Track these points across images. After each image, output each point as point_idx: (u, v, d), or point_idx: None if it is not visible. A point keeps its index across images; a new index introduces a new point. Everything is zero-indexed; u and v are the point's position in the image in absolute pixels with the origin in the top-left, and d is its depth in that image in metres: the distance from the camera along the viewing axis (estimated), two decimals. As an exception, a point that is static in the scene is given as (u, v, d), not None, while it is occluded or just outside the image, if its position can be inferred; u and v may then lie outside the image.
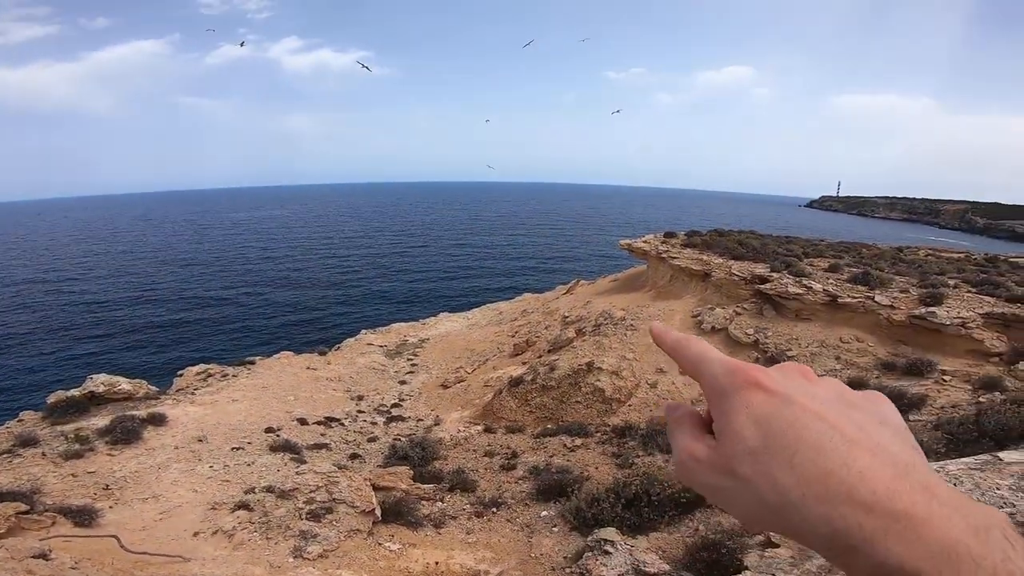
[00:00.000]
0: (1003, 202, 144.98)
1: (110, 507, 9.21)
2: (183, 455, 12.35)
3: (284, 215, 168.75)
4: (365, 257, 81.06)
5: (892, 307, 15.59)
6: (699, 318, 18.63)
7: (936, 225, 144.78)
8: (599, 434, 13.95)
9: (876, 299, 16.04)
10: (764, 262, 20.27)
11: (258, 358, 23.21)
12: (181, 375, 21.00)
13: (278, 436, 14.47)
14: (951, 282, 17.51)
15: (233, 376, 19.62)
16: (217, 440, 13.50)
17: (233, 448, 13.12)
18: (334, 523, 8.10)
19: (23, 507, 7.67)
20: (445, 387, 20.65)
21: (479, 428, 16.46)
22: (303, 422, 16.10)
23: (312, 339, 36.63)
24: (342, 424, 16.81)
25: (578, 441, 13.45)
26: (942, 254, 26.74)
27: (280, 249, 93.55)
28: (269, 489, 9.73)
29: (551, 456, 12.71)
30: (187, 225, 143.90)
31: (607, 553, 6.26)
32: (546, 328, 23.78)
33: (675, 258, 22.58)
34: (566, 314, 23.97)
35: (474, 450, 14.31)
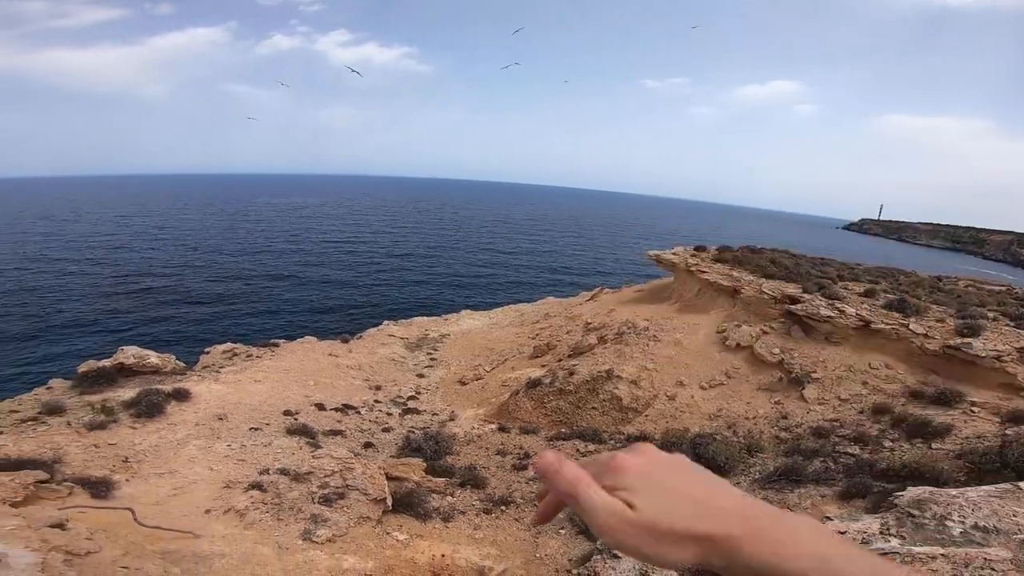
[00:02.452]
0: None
1: (127, 480, 9.47)
2: (202, 432, 12.65)
3: (316, 203, 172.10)
4: (391, 250, 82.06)
5: (926, 336, 15.06)
6: (724, 334, 18.28)
7: (980, 255, 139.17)
8: (613, 441, 13.86)
9: (911, 327, 15.51)
10: (796, 282, 19.79)
11: (282, 341, 23.69)
12: (207, 352, 21.55)
13: (296, 419, 14.71)
14: (990, 315, 16.83)
15: (257, 357, 20.05)
16: (237, 419, 13.80)
17: (251, 428, 13.39)
18: (345, 509, 8.18)
19: (43, 476, 7.92)
20: (463, 383, 20.74)
21: (493, 426, 16.50)
22: (321, 407, 16.35)
23: (335, 327, 37.22)
24: (358, 412, 17.01)
25: (591, 447, 13.39)
26: (983, 286, 25.60)
27: (309, 236, 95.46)
28: (283, 471, 9.89)
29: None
30: (222, 207, 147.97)
31: (616, 556, 6.22)
32: (567, 333, 23.65)
33: (704, 272, 22.21)
34: (589, 320, 23.80)
35: (487, 448, 14.38)
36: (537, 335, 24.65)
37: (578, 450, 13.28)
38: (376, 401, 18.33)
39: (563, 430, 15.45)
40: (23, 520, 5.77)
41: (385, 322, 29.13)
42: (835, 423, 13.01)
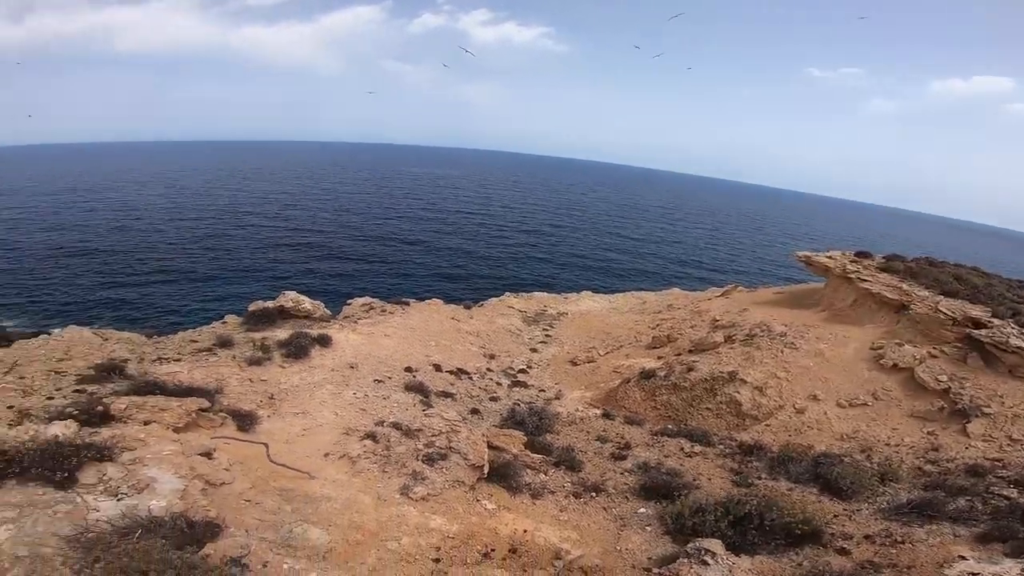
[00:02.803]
0: None
1: (268, 416, 10.69)
2: (335, 378, 13.95)
3: (455, 175, 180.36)
4: (520, 225, 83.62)
5: None
6: (880, 351, 15.95)
7: None
8: (722, 446, 12.91)
9: None
10: (984, 304, 16.60)
11: (412, 300, 25.34)
12: (349, 304, 23.75)
13: (414, 377, 15.67)
14: None
15: (390, 313, 21.66)
16: (365, 369, 15.03)
17: (375, 380, 14.50)
18: (444, 470, 8.48)
19: (204, 404, 9.15)
20: (574, 364, 20.58)
21: (597, 412, 16.19)
22: (438, 368, 17.23)
23: (459, 295, 39.05)
24: (471, 378, 17.66)
25: (697, 448, 12.58)
26: None
27: (445, 205, 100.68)
28: (396, 425, 10.55)
29: (665, 456, 12.14)
30: (373, 175, 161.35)
31: (705, 564, 5.75)
32: (691, 328, 22.30)
33: (865, 281, 19.46)
34: (717, 317, 22.20)
35: (588, 432, 14.15)
36: (658, 325, 23.59)
37: (682, 449, 12.58)
38: (488, 369, 18.88)
39: (670, 426, 14.69)
40: (179, 447, 6.61)
41: (506, 293, 29.85)
42: (997, 463, 11.15)
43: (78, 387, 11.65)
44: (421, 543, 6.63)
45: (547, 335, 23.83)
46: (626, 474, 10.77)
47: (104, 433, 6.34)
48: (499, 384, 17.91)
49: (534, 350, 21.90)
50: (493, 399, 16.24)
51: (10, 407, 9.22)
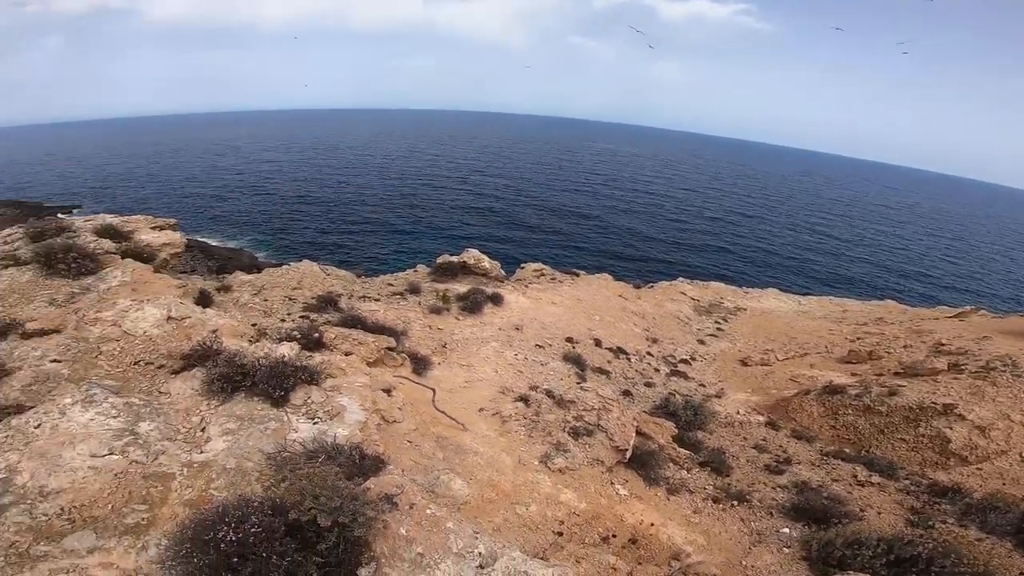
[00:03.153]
0: None
1: (439, 363, 11.74)
2: (501, 336, 14.81)
3: (637, 154, 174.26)
4: (701, 211, 77.97)
5: None
6: None
7: None
8: (908, 482, 10.94)
9: None
10: None
11: (583, 272, 25.53)
12: (522, 267, 24.81)
13: (573, 348, 15.90)
14: None
15: (560, 281, 22.15)
16: (529, 333, 15.68)
17: (536, 345, 15.05)
18: (587, 446, 8.54)
19: (392, 344, 10.34)
20: (744, 364, 18.91)
21: (761, 419, 14.82)
22: (598, 343, 17.22)
23: (629, 272, 38.19)
24: (628, 359, 17.34)
25: (875, 478, 10.86)
26: None
27: (624, 183, 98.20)
28: (549, 393, 10.85)
29: (832, 479, 10.77)
30: (558, 147, 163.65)
31: None
32: (904, 347, 18.80)
33: None
34: (944, 341, 18.35)
35: (745, 437, 13.14)
36: (859, 338, 20.35)
37: (855, 476, 10.91)
38: (648, 353, 18.32)
39: (846, 449, 12.89)
40: (368, 379, 7.40)
41: (680, 278, 28.37)
42: None
43: (303, 313, 14.11)
44: (547, 514, 6.80)
45: (719, 328, 22.20)
46: (778, 489, 9.90)
47: (316, 358, 7.33)
48: (656, 370, 17.31)
49: (701, 342, 20.60)
50: (648, 384, 15.79)
51: (253, 325, 11.43)
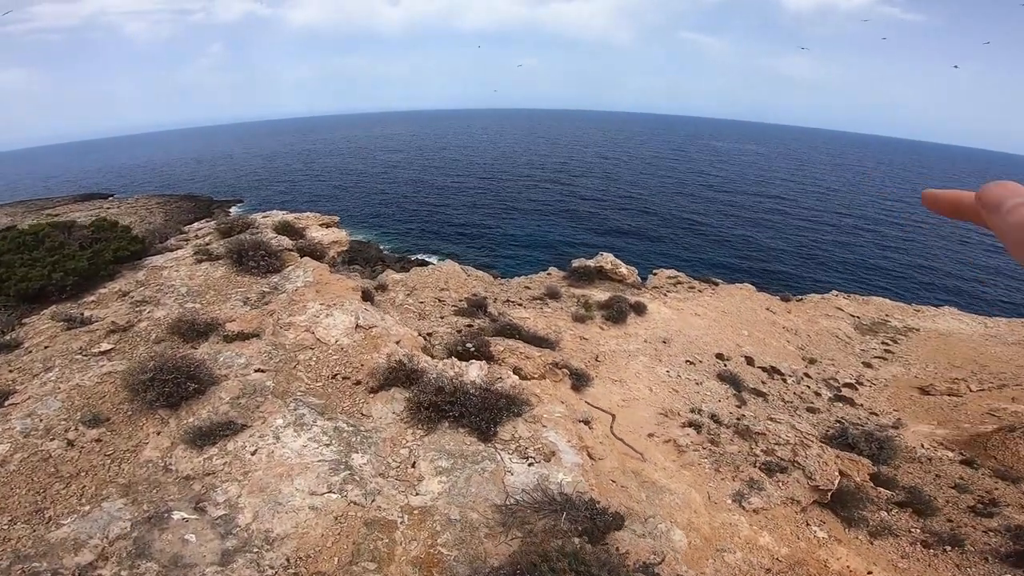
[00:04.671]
0: None
1: (594, 377, 11.65)
2: (648, 350, 14.47)
3: (761, 151, 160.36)
4: (848, 216, 69.64)
5: None
6: None
7: None
8: None
9: None
10: None
11: (720, 281, 24.21)
12: (655, 274, 24.09)
13: (725, 366, 15.12)
14: None
15: (699, 291, 21.20)
16: (676, 347, 15.17)
17: (687, 361, 14.51)
18: (781, 484, 8.04)
19: (557, 359, 10.31)
20: (924, 392, 16.76)
21: (951, 455, 13.16)
22: (750, 361, 16.23)
23: (773, 281, 35.39)
24: (783, 380, 16.13)
25: None
26: None
27: (746, 185, 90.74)
28: (714, 418, 10.39)
29: None
30: (669, 147, 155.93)
31: None
32: None
33: None
34: None
35: (938, 475, 11.82)
36: (1075, 371, 17.13)
37: None
38: (806, 375, 16.91)
39: None
40: (565, 409, 6.96)
41: (833, 292, 25.80)
42: None
43: (455, 315, 14.88)
44: (752, 560, 6.51)
45: (887, 351, 19.86)
46: (990, 533, 8.88)
47: (507, 381, 7.14)
48: (818, 394, 15.91)
49: (868, 364, 18.57)
50: (811, 410, 14.57)
51: (429, 335, 11.92)
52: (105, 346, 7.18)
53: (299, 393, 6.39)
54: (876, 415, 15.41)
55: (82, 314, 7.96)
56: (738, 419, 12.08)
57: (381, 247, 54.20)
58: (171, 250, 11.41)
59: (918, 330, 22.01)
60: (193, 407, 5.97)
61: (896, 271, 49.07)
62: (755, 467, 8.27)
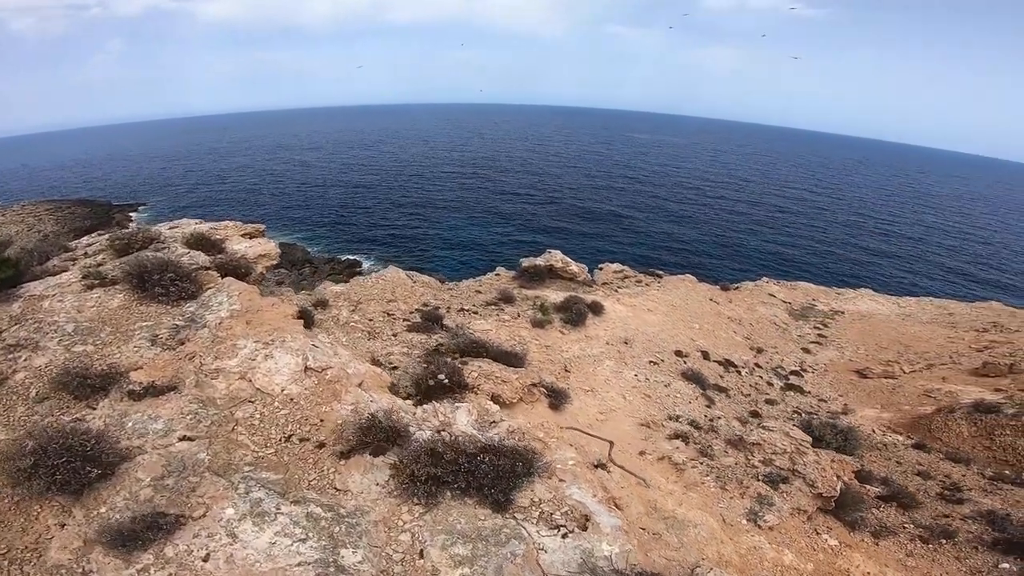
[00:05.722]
0: None
1: (568, 391, 10.74)
2: (612, 353, 13.95)
3: (680, 143, 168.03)
4: (762, 204, 74.35)
5: None
6: None
7: None
8: None
9: None
10: None
11: (662, 271, 24.38)
12: (601, 269, 23.78)
13: (685, 362, 14.99)
14: None
15: (646, 284, 21.13)
16: (638, 348, 14.80)
17: (650, 361, 14.17)
18: (786, 495, 7.70)
19: (534, 379, 9.32)
20: (862, 375, 17.59)
21: (902, 439, 13.83)
22: (705, 356, 16.23)
23: (710, 268, 36.57)
24: (739, 372, 16.31)
25: None
26: None
27: (668, 173, 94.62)
28: (694, 424, 9.95)
29: (1010, 506, 10.08)
30: (595, 139, 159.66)
31: None
32: (1041, 356, 17.06)
33: None
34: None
35: (899, 463, 12.31)
36: (986, 348, 18.66)
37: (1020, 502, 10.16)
38: (757, 365, 17.23)
39: (1007, 472, 11.97)
40: (576, 454, 6.04)
41: (764, 278, 26.88)
42: None
43: (410, 331, 13.35)
44: None
45: (820, 335, 20.79)
46: (968, 521, 9.18)
47: (502, 426, 6.08)
48: (770, 384, 16.23)
49: (806, 350, 19.29)
50: (769, 402, 14.77)
51: (393, 368, 10.28)
52: (-30, 410, 5.43)
53: (246, 466, 4.95)
54: (824, 401, 15.90)
55: (-61, 368, 6.03)
56: (712, 420, 11.85)
57: (308, 249, 50.84)
58: (53, 273, 9.07)
59: (843, 313, 23.30)
60: (102, 494, 4.50)
61: (806, 256, 52.79)
62: (759, 480, 7.89)
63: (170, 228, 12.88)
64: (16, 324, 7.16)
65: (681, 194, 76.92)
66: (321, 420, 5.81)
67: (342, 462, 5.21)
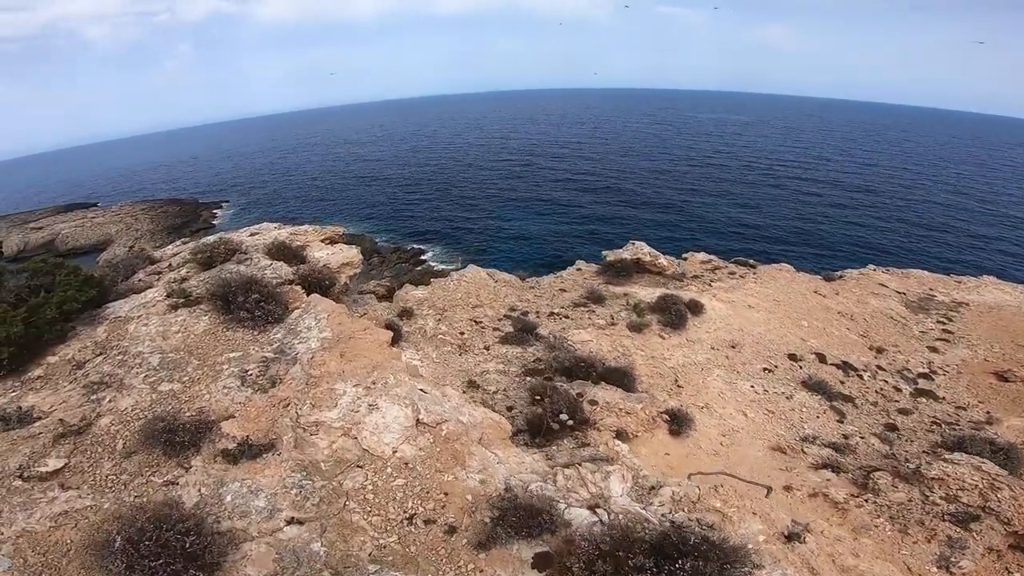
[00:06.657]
0: None
1: (692, 413, 9.43)
2: (719, 360, 12.62)
3: (745, 121, 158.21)
4: (841, 184, 68.42)
5: None
6: None
7: None
8: None
9: None
10: None
11: (755, 261, 22.41)
12: (685, 259, 22.03)
13: (801, 368, 13.46)
14: None
15: (740, 277, 19.40)
16: (747, 352, 13.42)
17: (764, 368, 12.81)
18: (978, 535, 6.26)
19: (661, 406, 8.16)
20: (1002, 379, 15.36)
21: None
22: (821, 358, 14.62)
23: (806, 255, 33.85)
24: (860, 376, 14.60)
25: None
26: None
27: (743, 156, 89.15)
28: (836, 448, 8.61)
29: None
30: (653, 121, 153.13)
31: None
32: None
33: None
34: None
35: None
36: None
37: None
38: (879, 368, 15.37)
39: None
40: (765, 526, 4.83)
41: (870, 265, 24.27)
42: None
43: (503, 343, 12.25)
44: None
45: (945, 330, 18.42)
46: None
47: (664, 493, 4.96)
48: (897, 389, 14.40)
49: (933, 349, 17.10)
50: (902, 411, 12.98)
51: (475, 377, 9.52)
52: (53, 463, 4.98)
53: (370, 564, 4.12)
54: (963, 409, 13.98)
55: (19, 407, 5.65)
56: (846, 438, 10.36)
57: (374, 240, 51.43)
58: (138, 290, 8.96)
59: (967, 304, 20.65)
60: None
61: (902, 240, 48.09)
62: (944, 520, 6.50)
63: (251, 235, 12.75)
64: (100, 354, 6.83)
65: (750, 176, 72.36)
66: (445, 494, 4.96)
67: (481, 555, 4.35)
